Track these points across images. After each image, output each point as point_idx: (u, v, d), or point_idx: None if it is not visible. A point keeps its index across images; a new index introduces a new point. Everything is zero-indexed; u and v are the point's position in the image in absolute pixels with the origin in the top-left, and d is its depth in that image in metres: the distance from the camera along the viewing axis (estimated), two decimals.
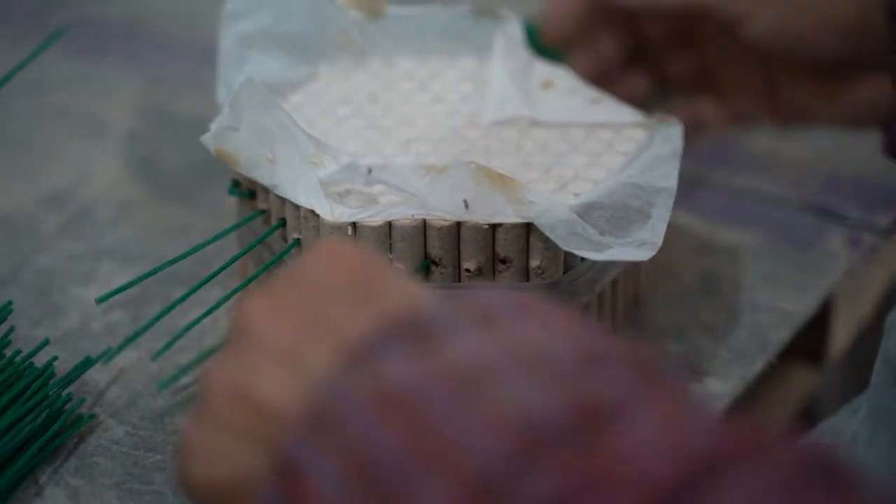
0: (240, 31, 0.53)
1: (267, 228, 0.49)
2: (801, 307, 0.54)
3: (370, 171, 0.46)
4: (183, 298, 0.46)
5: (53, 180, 0.62)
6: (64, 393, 0.46)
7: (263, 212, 0.49)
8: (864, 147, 0.60)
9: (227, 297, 0.47)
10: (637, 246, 0.46)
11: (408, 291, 0.32)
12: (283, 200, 0.47)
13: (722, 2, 0.55)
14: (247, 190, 0.50)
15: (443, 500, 0.27)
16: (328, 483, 0.28)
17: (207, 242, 0.48)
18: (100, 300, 0.46)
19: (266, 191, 0.48)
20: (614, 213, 0.46)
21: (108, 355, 0.45)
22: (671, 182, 0.47)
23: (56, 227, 0.58)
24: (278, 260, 0.48)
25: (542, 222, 0.44)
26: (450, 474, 0.27)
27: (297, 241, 0.47)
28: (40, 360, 0.46)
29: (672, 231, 0.57)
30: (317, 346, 0.31)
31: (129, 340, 0.43)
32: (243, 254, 0.49)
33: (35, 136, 0.66)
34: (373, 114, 0.52)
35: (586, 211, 0.45)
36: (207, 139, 0.48)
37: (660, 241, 0.46)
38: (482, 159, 0.47)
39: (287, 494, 0.29)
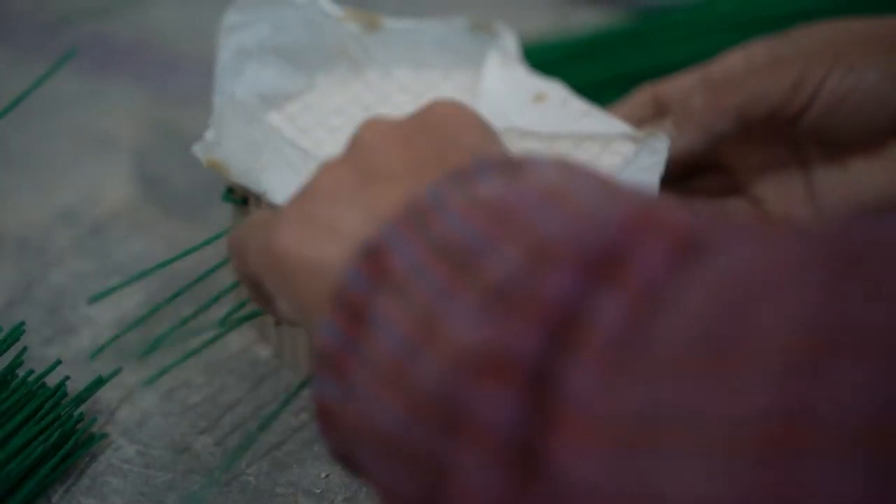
0: (237, 44, 0.53)
1: None
2: None
3: None
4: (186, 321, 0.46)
5: (64, 198, 0.62)
6: (76, 412, 0.46)
7: None
8: None
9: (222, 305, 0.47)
10: None
11: (506, 150, 0.38)
12: (274, 206, 0.48)
13: (781, 100, 0.51)
14: (241, 197, 0.51)
15: (508, 258, 0.31)
16: (407, 262, 0.32)
17: (198, 247, 0.49)
18: (92, 299, 0.47)
19: (258, 197, 0.49)
20: None
21: (117, 371, 0.46)
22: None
23: (67, 245, 0.59)
24: None
25: None
26: (520, 241, 0.31)
27: None
28: (52, 379, 0.47)
29: None
30: (428, 174, 0.35)
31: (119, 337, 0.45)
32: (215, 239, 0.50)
33: (45, 154, 0.66)
34: None
35: None
36: (199, 150, 0.49)
37: None
38: None
39: (369, 270, 0.33)
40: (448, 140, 0.37)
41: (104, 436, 0.47)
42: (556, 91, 0.54)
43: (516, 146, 0.51)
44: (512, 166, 0.35)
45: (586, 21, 0.76)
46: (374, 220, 0.34)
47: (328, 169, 0.37)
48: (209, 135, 0.48)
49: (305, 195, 0.37)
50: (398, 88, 0.55)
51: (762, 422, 0.25)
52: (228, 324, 0.47)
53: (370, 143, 0.38)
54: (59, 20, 0.79)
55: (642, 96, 0.55)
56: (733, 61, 0.54)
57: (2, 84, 0.72)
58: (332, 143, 0.51)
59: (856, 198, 0.54)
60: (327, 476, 0.46)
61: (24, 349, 0.47)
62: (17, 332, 0.47)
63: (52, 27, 0.79)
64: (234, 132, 0.48)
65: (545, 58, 0.67)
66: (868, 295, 0.25)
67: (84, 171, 0.65)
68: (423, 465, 0.31)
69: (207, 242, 0.50)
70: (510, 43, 0.56)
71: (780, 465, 0.24)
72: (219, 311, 0.50)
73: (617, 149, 0.51)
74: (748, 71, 0.52)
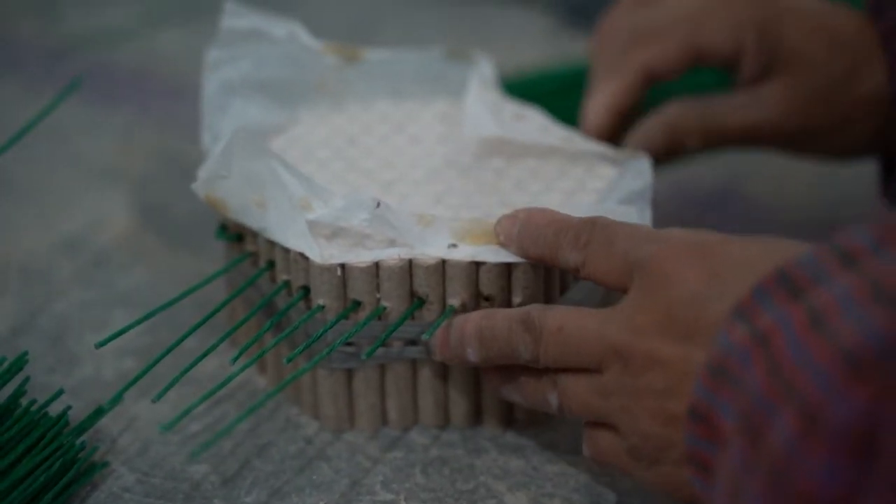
0: (221, 79, 0.55)
1: (255, 270, 0.50)
2: None
3: (378, 204, 0.47)
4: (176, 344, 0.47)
5: (67, 227, 0.63)
6: (77, 442, 0.47)
7: (252, 254, 0.51)
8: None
9: (221, 341, 0.48)
10: None
11: (773, 253, 0.37)
12: (273, 243, 0.49)
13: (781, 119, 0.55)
14: (234, 233, 0.52)
15: (790, 429, 0.31)
16: (730, 419, 0.35)
17: (199, 286, 0.49)
18: (99, 345, 0.47)
19: (254, 234, 0.50)
20: None
21: (115, 399, 0.47)
22: (645, 218, 0.49)
23: (70, 275, 0.60)
24: (268, 302, 0.49)
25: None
26: (795, 404, 0.31)
27: (286, 283, 0.49)
28: (54, 408, 0.48)
29: None
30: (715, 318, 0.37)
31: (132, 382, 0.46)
32: (235, 296, 0.51)
33: (48, 184, 0.67)
34: (353, 156, 0.54)
35: None
36: (197, 187, 0.49)
37: None
38: (460, 199, 0.50)
39: (708, 434, 0.36)
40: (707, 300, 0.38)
41: (105, 464, 0.48)
42: (533, 114, 0.56)
43: (504, 175, 0.53)
44: (790, 283, 0.35)
45: (580, 52, 0.77)
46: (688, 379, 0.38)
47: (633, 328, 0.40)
48: (202, 172, 0.49)
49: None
50: (379, 118, 0.56)
51: None
52: (240, 364, 0.47)
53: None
54: (65, 49, 0.80)
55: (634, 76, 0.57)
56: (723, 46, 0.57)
57: (7, 113, 0.73)
58: (321, 177, 0.52)
59: (719, 126, 0.57)
60: None
61: (27, 378, 0.48)
62: (20, 361, 0.48)
63: (57, 56, 0.80)
64: (237, 164, 0.49)
65: (538, 89, 0.68)
66: None
67: (87, 200, 0.66)
68: None
69: (212, 279, 0.50)
70: (487, 70, 0.57)
71: None
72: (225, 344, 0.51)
73: (600, 173, 0.52)
74: (737, 103, 0.56)
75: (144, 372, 0.46)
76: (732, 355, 0.35)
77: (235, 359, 0.46)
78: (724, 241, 0.39)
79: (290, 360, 0.46)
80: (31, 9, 0.88)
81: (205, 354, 0.47)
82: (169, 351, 0.47)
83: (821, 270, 0.34)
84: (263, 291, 0.50)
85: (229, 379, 0.46)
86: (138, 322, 0.48)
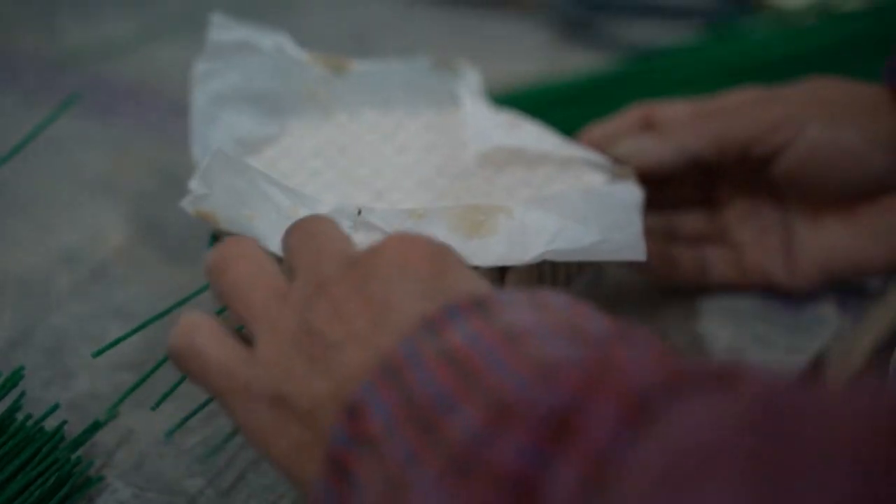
0: (210, 91, 0.55)
1: None
2: (791, 368, 0.55)
3: (360, 212, 0.48)
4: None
5: (65, 240, 0.63)
6: (73, 456, 0.47)
7: None
8: None
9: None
10: None
11: (476, 285, 0.38)
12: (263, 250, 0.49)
13: (760, 133, 0.53)
14: None
15: (469, 420, 0.32)
16: (382, 419, 0.34)
17: (193, 295, 0.50)
18: (95, 354, 0.47)
19: None
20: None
21: (110, 413, 0.48)
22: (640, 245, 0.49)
23: (67, 288, 0.60)
24: None
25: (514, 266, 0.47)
26: (480, 401, 0.32)
27: None
28: (50, 422, 0.48)
29: (662, 293, 0.59)
30: (394, 325, 0.36)
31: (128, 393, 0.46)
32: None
33: (46, 197, 0.67)
34: (344, 165, 0.54)
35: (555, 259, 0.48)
36: (187, 204, 0.50)
37: None
38: (452, 205, 0.50)
39: (351, 428, 0.35)
40: (406, 291, 0.37)
41: (101, 478, 0.48)
42: (527, 123, 0.56)
43: (493, 183, 0.53)
44: (481, 307, 0.36)
45: (577, 65, 0.77)
46: (350, 378, 0.36)
47: (299, 309, 0.39)
48: (193, 186, 0.50)
49: (283, 332, 0.39)
50: (367, 128, 0.57)
51: None
52: None
53: (333, 299, 0.38)
54: (63, 62, 0.81)
55: (635, 114, 0.57)
56: (727, 99, 0.55)
57: (6, 126, 0.73)
58: (314, 186, 0.52)
59: (827, 260, 0.55)
60: None
61: (23, 393, 0.48)
62: (16, 376, 0.49)
63: (55, 69, 0.80)
64: (221, 183, 0.49)
65: (536, 102, 0.68)
66: (793, 476, 0.26)
67: (84, 213, 0.66)
68: None
69: (205, 288, 0.51)
70: (473, 80, 0.58)
71: None
72: None
73: (590, 180, 0.52)
74: (735, 106, 0.54)
75: (139, 383, 0.47)
76: (410, 359, 0.35)
77: None
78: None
79: None
80: (30, 22, 0.88)
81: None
82: (164, 361, 0.47)
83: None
84: None
85: None
86: (134, 331, 0.48)
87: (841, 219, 0.55)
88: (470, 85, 0.57)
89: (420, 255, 0.38)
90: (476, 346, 0.34)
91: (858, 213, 0.54)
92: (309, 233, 0.41)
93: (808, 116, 0.52)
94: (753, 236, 0.57)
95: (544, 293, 0.37)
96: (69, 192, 0.68)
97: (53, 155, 0.70)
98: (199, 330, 0.41)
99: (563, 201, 0.48)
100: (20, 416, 0.48)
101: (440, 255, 0.38)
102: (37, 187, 0.68)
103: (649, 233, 0.53)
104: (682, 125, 0.54)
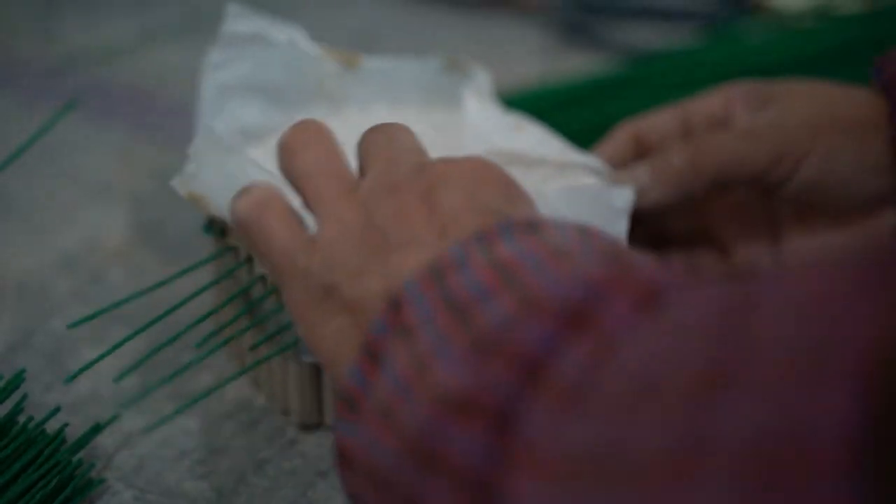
0: (220, 81, 0.55)
1: (236, 264, 0.51)
2: None
3: None
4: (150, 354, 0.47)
5: (64, 244, 0.63)
6: (74, 459, 0.47)
7: (233, 248, 0.51)
8: None
9: (208, 341, 0.48)
10: None
11: (536, 215, 0.40)
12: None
13: (758, 173, 0.52)
14: (220, 229, 0.52)
15: (501, 308, 0.34)
16: (421, 312, 0.35)
17: (193, 296, 0.50)
18: (71, 326, 0.48)
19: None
20: None
21: (114, 418, 0.48)
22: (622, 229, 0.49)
23: (67, 291, 0.60)
24: (243, 293, 0.50)
25: None
26: (516, 295, 0.34)
27: (263, 276, 0.49)
28: (51, 425, 0.48)
29: None
30: (454, 236, 0.38)
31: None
32: (228, 303, 0.51)
33: (45, 201, 0.67)
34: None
35: None
36: (177, 184, 0.50)
37: None
38: None
39: (390, 319, 0.36)
40: (473, 200, 0.39)
41: (102, 481, 0.48)
42: (532, 126, 0.56)
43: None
44: (533, 227, 0.37)
45: (575, 67, 0.77)
46: (396, 283, 0.38)
47: (368, 202, 0.41)
48: (188, 167, 0.50)
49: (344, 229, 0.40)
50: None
51: (668, 455, 0.27)
52: (206, 348, 0.48)
53: (391, 205, 0.40)
54: (63, 66, 0.81)
55: (623, 135, 0.56)
56: (712, 106, 0.55)
57: (4, 129, 0.73)
58: None
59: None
60: None
61: (25, 396, 0.48)
62: (17, 379, 0.49)
63: (55, 73, 0.80)
64: (212, 165, 0.49)
65: (535, 104, 0.68)
66: (750, 346, 0.28)
67: (84, 217, 0.66)
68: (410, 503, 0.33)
69: (205, 289, 0.51)
70: (483, 82, 0.58)
71: (678, 489, 0.27)
72: (218, 357, 0.52)
73: (583, 182, 0.53)
74: (728, 135, 0.53)
75: (147, 393, 0.47)
76: (457, 262, 0.36)
77: (200, 344, 0.47)
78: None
79: (254, 348, 0.47)
80: (29, 25, 0.88)
81: (200, 359, 0.47)
82: (151, 354, 0.47)
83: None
84: (243, 285, 0.51)
85: (188, 328, 0.48)
86: (134, 334, 0.48)
87: (835, 227, 0.55)
88: (480, 87, 0.57)
89: (491, 177, 0.40)
90: (524, 258, 0.35)
91: (852, 221, 0.54)
92: (387, 136, 0.43)
93: (803, 149, 0.52)
94: (743, 240, 0.57)
95: (594, 227, 0.38)
96: (69, 195, 0.68)
97: (53, 158, 0.70)
98: (270, 207, 0.42)
99: (550, 199, 0.48)
100: (21, 419, 0.48)
101: (509, 183, 0.40)
102: (36, 191, 0.68)
103: (638, 237, 0.53)
104: (678, 165, 0.53)
